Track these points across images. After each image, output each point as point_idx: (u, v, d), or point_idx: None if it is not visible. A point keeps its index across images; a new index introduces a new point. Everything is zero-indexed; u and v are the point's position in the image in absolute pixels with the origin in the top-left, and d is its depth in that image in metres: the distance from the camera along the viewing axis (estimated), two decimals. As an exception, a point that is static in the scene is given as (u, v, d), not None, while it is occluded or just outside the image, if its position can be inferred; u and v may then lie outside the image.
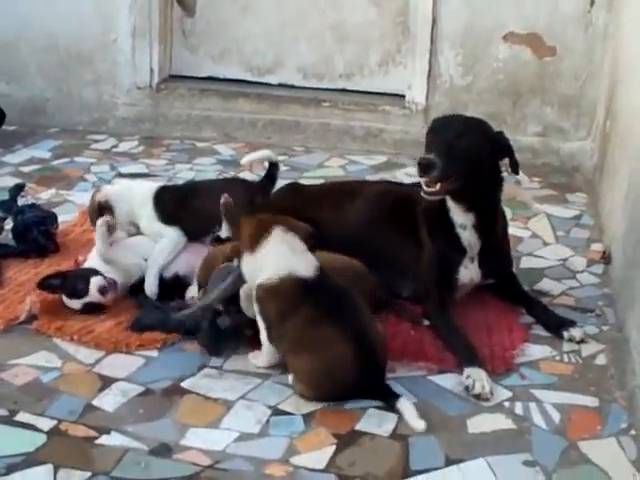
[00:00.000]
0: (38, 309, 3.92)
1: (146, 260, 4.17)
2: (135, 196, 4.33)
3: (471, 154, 3.80)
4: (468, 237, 3.96)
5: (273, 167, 4.41)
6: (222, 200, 4.06)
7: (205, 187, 4.47)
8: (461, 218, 3.93)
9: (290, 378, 3.45)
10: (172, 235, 4.21)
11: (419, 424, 3.23)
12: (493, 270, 4.07)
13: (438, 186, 3.75)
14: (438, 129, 3.90)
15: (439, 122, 3.98)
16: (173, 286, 4.13)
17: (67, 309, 3.98)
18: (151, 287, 4.11)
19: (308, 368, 3.35)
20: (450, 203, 3.91)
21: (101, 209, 4.27)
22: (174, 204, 4.28)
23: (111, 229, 4.15)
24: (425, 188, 3.78)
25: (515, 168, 3.98)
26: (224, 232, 4.09)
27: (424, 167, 3.70)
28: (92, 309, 3.95)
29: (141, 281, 4.15)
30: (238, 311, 3.69)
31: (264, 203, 4.28)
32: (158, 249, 4.19)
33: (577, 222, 5.23)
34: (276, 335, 3.45)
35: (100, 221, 4.09)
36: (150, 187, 4.40)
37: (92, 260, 4.11)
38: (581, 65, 6.11)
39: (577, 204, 5.53)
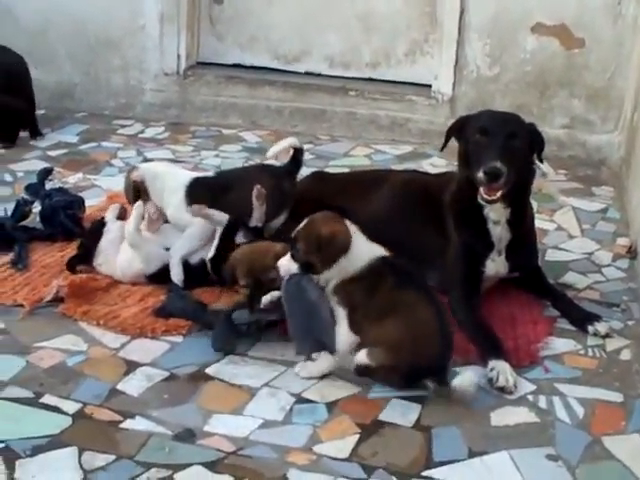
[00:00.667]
0: (65, 292, 3.94)
1: (167, 249, 4.17)
2: (168, 182, 4.33)
3: (523, 155, 3.87)
4: (499, 232, 3.95)
5: (298, 152, 4.40)
6: (254, 192, 4.08)
7: (235, 178, 4.45)
8: (497, 214, 3.92)
9: (361, 355, 3.39)
10: (200, 223, 4.19)
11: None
12: (520, 263, 4.06)
13: (499, 193, 3.77)
14: (489, 129, 3.86)
15: (487, 121, 3.93)
16: (199, 272, 4.13)
17: (94, 294, 4.00)
18: (177, 276, 4.10)
19: (393, 333, 3.33)
20: None
21: (136, 188, 4.30)
22: (206, 196, 4.25)
23: (154, 219, 4.24)
24: (486, 196, 3.79)
25: (541, 158, 4.01)
26: (253, 221, 4.10)
27: (494, 177, 3.71)
28: None
29: (161, 269, 4.15)
30: (261, 310, 3.72)
31: (292, 188, 4.29)
32: (185, 236, 4.19)
33: (603, 215, 5.22)
34: (359, 316, 3.43)
35: (138, 203, 4.19)
36: (184, 177, 4.39)
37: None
38: (610, 57, 6.08)
39: (603, 197, 5.51)
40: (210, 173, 4.77)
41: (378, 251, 3.50)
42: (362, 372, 3.41)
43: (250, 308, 3.71)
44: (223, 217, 4.08)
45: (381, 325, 3.36)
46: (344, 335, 3.46)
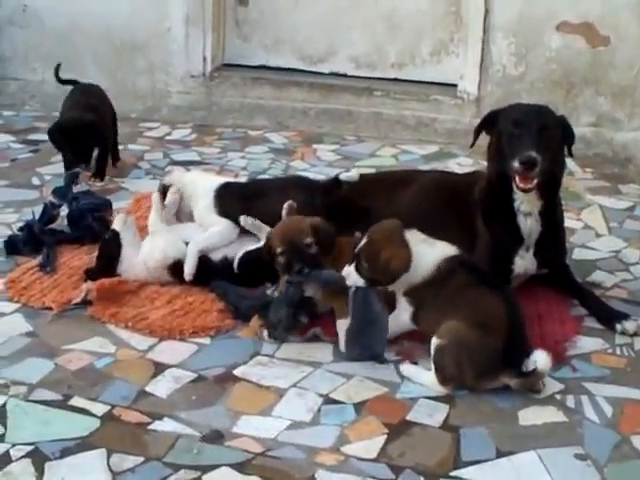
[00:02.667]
0: (94, 296, 3.96)
1: (187, 244, 4.18)
2: (198, 188, 4.39)
3: (555, 146, 3.91)
4: (530, 225, 3.95)
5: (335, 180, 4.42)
6: (286, 206, 4.10)
7: (268, 187, 4.50)
8: (529, 206, 3.93)
9: (434, 345, 3.40)
10: (225, 224, 4.24)
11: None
12: (548, 260, 4.05)
13: (534, 182, 3.80)
14: (523, 122, 3.88)
15: (520, 113, 3.96)
16: (221, 269, 4.14)
17: (122, 296, 4.02)
18: (189, 266, 4.11)
19: (461, 323, 3.35)
20: (520, 193, 3.90)
21: (164, 192, 4.38)
22: (235, 200, 4.31)
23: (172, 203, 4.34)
24: (522, 185, 3.82)
25: (571, 151, 4.06)
26: None
27: (530, 165, 3.75)
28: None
29: (179, 262, 4.15)
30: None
31: (323, 205, 4.25)
32: (207, 233, 4.23)
33: (630, 214, 5.19)
34: (426, 313, 3.49)
35: (154, 193, 4.34)
36: (214, 182, 4.46)
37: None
38: (635, 54, 6.06)
39: (630, 195, 5.49)
40: (242, 180, 4.82)
41: (447, 251, 3.55)
42: (438, 362, 3.41)
43: (287, 272, 3.74)
44: (267, 229, 4.10)
45: (448, 317, 3.39)
46: (400, 322, 3.57)
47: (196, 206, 4.36)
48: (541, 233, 3.98)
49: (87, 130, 5.29)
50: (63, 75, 5.91)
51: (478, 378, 3.36)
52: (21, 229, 4.58)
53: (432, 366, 3.42)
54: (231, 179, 4.70)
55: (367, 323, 3.58)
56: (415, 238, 3.55)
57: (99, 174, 5.43)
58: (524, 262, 3.99)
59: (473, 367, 3.35)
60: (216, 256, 4.17)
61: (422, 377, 3.48)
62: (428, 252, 3.53)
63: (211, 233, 4.23)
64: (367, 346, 3.60)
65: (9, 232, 4.63)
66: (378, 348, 3.60)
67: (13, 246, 4.47)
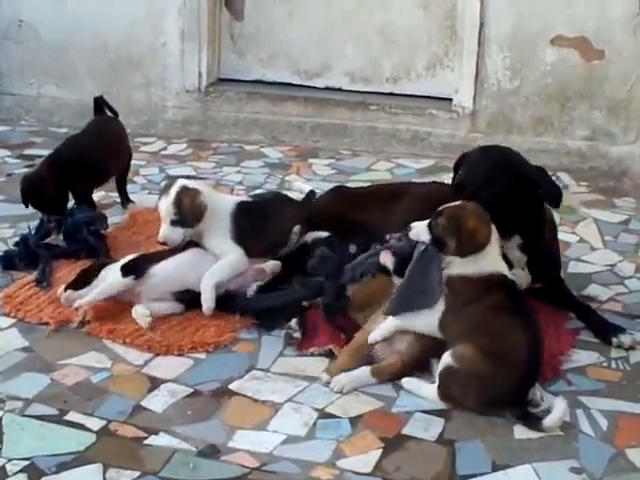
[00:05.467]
0: (91, 316, 3.95)
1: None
2: (215, 207, 4.19)
3: (498, 202, 3.72)
4: (515, 255, 3.94)
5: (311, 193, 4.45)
6: (295, 230, 4.21)
7: (268, 206, 4.40)
8: (505, 242, 3.90)
9: (445, 363, 3.39)
10: (239, 254, 4.11)
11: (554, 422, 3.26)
12: (542, 274, 4.05)
13: None
14: (465, 174, 3.88)
15: (466, 166, 3.94)
16: (223, 302, 4.07)
17: (118, 313, 4.00)
18: (208, 302, 4.01)
19: (479, 352, 3.31)
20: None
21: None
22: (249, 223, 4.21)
23: None
24: None
25: (549, 199, 3.91)
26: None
27: None
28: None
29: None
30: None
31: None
32: (222, 265, 4.08)
33: (625, 227, 5.20)
34: (451, 319, 3.43)
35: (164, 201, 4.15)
36: (228, 202, 4.29)
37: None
38: (630, 68, 6.07)
39: (625, 209, 5.50)
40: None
41: (503, 267, 3.51)
42: (444, 380, 3.39)
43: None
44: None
45: (474, 337, 3.35)
46: (431, 322, 3.48)
47: (212, 229, 4.14)
48: (529, 259, 3.99)
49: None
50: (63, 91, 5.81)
51: (481, 407, 3.35)
52: (17, 244, 4.58)
53: (436, 380, 3.41)
54: (243, 197, 4.60)
55: (417, 291, 3.49)
56: (496, 236, 3.49)
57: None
58: (518, 279, 3.97)
59: (479, 397, 3.34)
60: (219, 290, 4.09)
61: (423, 390, 3.46)
62: (495, 255, 3.49)
63: (225, 265, 4.08)
64: (409, 311, 3.53)
65: (5, 247, 4.62)
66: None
67: (9, 261, 4.47)
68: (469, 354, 3.31)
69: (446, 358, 3.37)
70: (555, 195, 3.88)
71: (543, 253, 4.02)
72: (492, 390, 3.31)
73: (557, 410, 3.25)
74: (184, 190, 4.12)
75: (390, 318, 3.56)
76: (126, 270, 4.04)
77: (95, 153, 4.99)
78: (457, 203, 3.52)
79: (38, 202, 4.81)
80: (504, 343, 3.33)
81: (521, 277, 3.98)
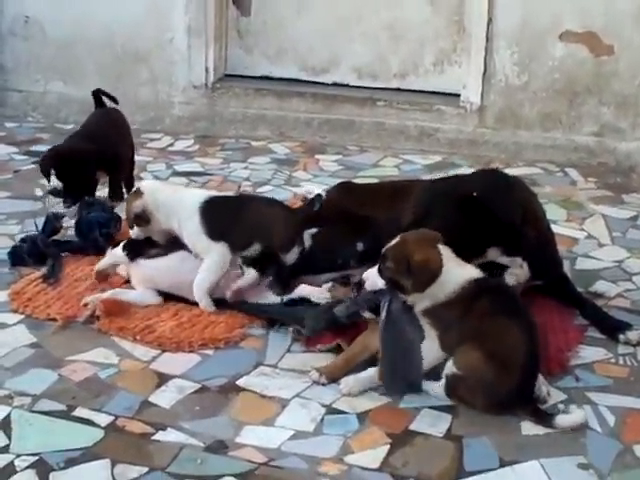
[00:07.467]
0: (102, 310, 3.95)
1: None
2: (178, 207, 4.12)
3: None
4: (502, 260, 3.93)
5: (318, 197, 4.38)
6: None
7: (249, 202, 4.38)
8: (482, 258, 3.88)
9: (449, 371, 3.36)
10: (219, 252, 4.04)
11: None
12: (541, 271, 4.03)
13: None
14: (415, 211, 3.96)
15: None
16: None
17: (128, 309, 4.01)
18: (208, 308, 4.01)
19: (480, 356, 3.28)
20: None
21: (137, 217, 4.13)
22: (222, 217, 4.12)
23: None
24: None
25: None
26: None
27: None
28: None
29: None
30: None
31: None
32: (205, 269, 4.02)
33: (633, 223, 5.19)
34: (453, 337, 3.36)
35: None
36: (194, 198, 4.18)
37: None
38: (639, 64, 6.05)
39: (633, 205, 5.49)
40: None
41: (472, 273, 3.42)
42: (451, 386, 3.37)
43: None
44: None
45: (466, 350, 3.32)
46: (433, 352, 3.42)
47: (183, 228, 4.08)
48: (524, 256, 3.96)
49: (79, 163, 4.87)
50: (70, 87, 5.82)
51: (490, 408, 3.34)
52: (23, 240, 4.57)
53: (442, 380, 3.39)
54: (213, 193, 4.44)
55: (401, 356, 3.46)
56: (447, 253, 3.41)
57: (116, 197, 5.12)
58: (517, 277, 3.96)
59: (487, 400, 3.32)
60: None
61: (431, 390, 3.45)
62: (457, 271, 3.38)
63: (209, 268, 4.01)
64: (403, 378, 3.48)
65: (12, 243, 4.61)
66: (414, 378, 3.47)
67: (17, 257, 4.47)
68: (472, 360, 3.29)
69: (450, 368, 3.35)
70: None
71: (536, 250, 3.99)
72: (498, 393, 3.30)
73: (576, 415, 3.27)
74: (130, 194, 4.30)
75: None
76: (124, 246, 4.17)
77: (111, 141, 5.03)
78: (397, 240, 3.42)
79: (73, 177, 4.80)
80: (502, 343, 3.30)
81: (519, 275, 3.96)
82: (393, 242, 3.43)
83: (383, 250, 3.44)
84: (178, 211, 4.08)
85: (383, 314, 3.46)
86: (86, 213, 4.67)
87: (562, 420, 3.24)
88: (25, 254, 4.47)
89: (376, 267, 3.45)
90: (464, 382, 3.33)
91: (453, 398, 3.39)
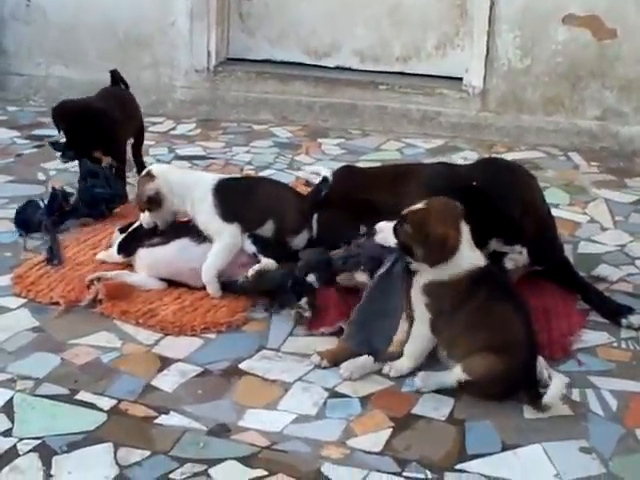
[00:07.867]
0: (104, 294, 3.95)
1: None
2: (192, 189, 4.13)
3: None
4: (503, 249, 3.91)
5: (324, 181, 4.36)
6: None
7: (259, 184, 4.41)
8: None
9: (457, 372, 3.32)
10: (231, 235, 4.05)
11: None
12: (542, 257, 4.02)
13: None
14: None
15: None
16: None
17: (130, 293, 4.01)
18: (216, 292, 4.00)
19: (483, 345, 3.27)
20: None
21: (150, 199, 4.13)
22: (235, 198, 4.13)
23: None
24: None
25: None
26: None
27: None
28: None
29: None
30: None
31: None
32: (215, 252, 4.03)
33: (636, 207, 5.19)
34: (445, 323, 3.35)
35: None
36: (207, 180, 4.21)
37: None
38: (642, 48, 6.04)
39: (636, 189, 5.48)
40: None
41: (480, 260, 3.37)
42: (464, 390, 3.35)
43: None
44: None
45: (472, 338, 3.30)
46: (424, 336, 3.41)
47: (197, 210, 4.10)
48: (523, 243, 3.95)
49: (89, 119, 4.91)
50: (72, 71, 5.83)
51: (503, 396, 3.32)
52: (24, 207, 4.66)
53: (448, 366, 3.37)
54: (225, 175, 4.47)
55: (379, 313, 3.48)
56: (466, 234, 3.34)
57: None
58: (515, 263, 3.95)
59: (499, 392, 3.31)
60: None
61: (444, 380, 3.39)
62: (468, 255, 3.33)
63: (219, 250, 4.03)
64: (368, 338, 3.52)
65: (14, 228, 4.62)
66: (380, 345, 3.50)
67: (25, 224, 4.58)
68: (484, 363, 3.26)
69: (459, 374, 3.30)
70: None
71: (536, 237, 3.98)
72: (508, 383, 3.29)
73: (554, 385, 3.22)
74: (141, 177, 4.26)
75: (404, 358, 3.48)
76: (119, 248, 4.22)
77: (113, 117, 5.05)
78: (421, 205, 3.34)
79: (78, 129, 4.84)
80: (505, 331, 3.30)
81: (517, 260, 3.95)
82: (417, 206, 3.34)
83: (404, 211, 3.36)
84: (192, 192, 4.11)
85: (382, 270, 3.45)
86: (90, 185, 4.71)
87: (548, 398, 3.20)
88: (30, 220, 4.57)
89: (392, 224, 3.39)
90: (477, 385, 3.31)
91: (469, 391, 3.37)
